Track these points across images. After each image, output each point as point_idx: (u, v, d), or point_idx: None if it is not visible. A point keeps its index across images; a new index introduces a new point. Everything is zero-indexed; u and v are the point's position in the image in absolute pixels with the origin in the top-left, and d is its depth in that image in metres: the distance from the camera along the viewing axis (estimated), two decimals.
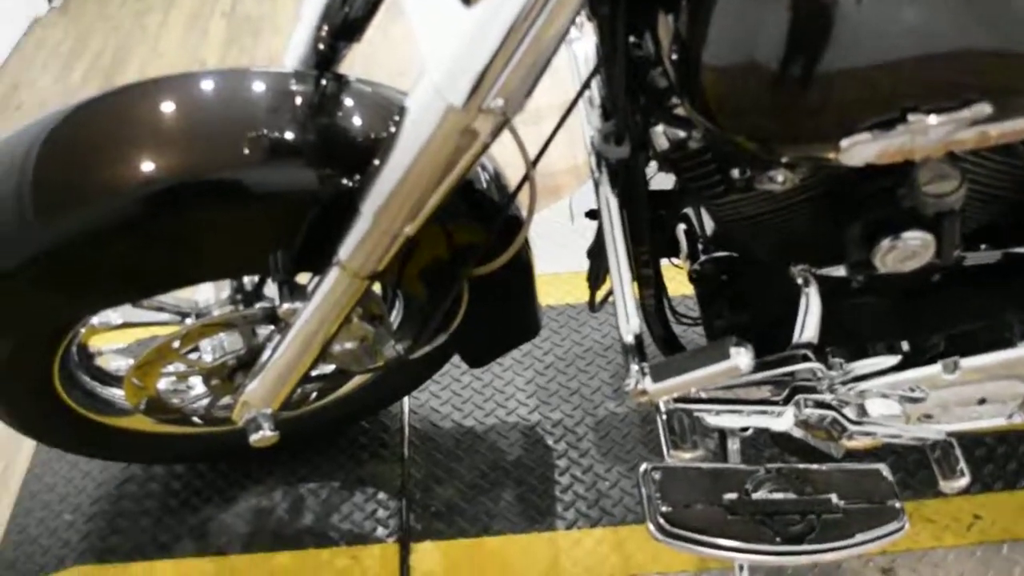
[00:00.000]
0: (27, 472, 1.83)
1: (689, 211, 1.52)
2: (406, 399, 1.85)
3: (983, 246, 1.43)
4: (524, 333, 1.62)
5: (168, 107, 1.27)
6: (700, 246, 1.46)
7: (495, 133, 1.05)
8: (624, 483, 1.71)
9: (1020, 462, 1.78)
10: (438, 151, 1.06)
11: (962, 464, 1.41)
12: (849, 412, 1.40)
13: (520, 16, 0.93)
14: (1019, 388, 1.44)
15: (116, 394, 1.57)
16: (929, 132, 0.98)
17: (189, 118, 1.27)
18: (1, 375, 1.38)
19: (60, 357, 1.40)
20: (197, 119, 1.27)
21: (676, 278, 1.53)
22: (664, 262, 1.55)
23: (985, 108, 0.98)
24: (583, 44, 1.44)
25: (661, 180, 1.52)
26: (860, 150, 0.99)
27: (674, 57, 1.02)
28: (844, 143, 0.99)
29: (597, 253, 1.46)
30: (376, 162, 1.13)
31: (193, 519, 1.70)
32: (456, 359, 1.69)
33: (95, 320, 1.47)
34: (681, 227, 1.52)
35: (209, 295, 1.49)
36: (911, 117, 0.97)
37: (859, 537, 1.36)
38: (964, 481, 1.40)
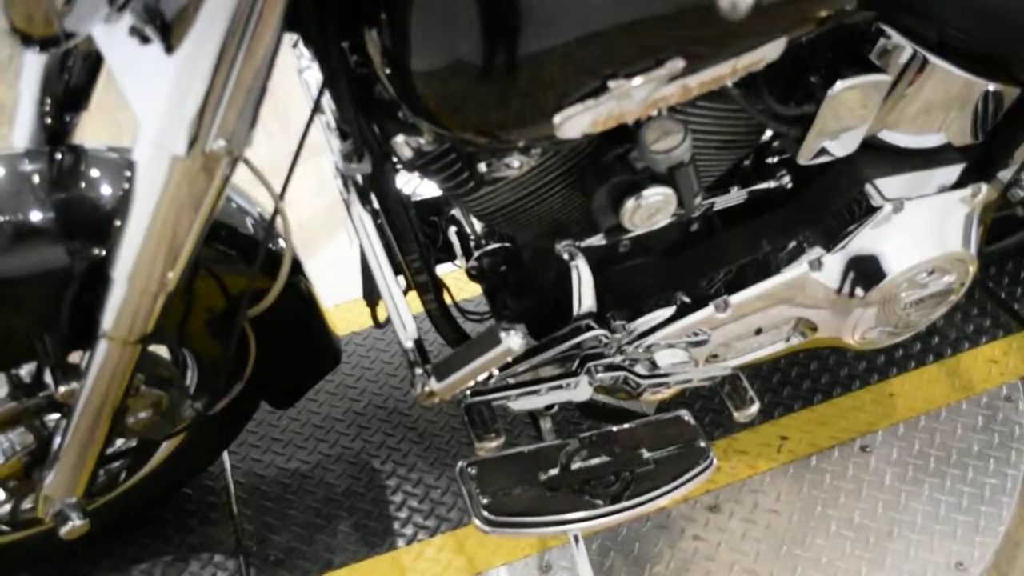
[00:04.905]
0: None
1: (457, 212, 1.56)
2: (226, 456, 1.81)
3: (733, 188, 1.53)
4: (324, 365, 1.62)
5: None
6: (472, 243, 1.50)
7: (228, 173, 1.06)
8: (455, 487, 1.73)
9: (813, 379, 1.91)
10: (173, 202, 1.05)
11: (751, 393, 1.50)
12: (641, 368, 1.47)
13: (221, 53, 0.94)
14: (789, 312, 1.55)
15: None
16: (633, 94, 1.05)
17: None
18: None
19: None
20: None
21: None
22: (451, 267, 1.59)
23: (679, 63, 1.06)
24: (312, 72, 1.46)
25: (428, 189, 1.57)
26: (574, 123, 1.05)
27: (387, 70, 1.04)
28: (557, 119, 1.04)
29: (367, 271, 1.48)
30: (118, 226, 1.11)
31: None
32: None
33: None
34: (452, 230, 1.56)
35: None
36: (612, 84, 1.03)
37: (673, 483, 1.44)
38: (755, 407, 1.49)
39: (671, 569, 1.62)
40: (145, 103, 1.00)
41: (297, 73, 1.46)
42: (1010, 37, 1.32)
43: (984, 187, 1.52)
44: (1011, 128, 1.48)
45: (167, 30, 0.95)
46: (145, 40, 0.98)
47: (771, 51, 1.13)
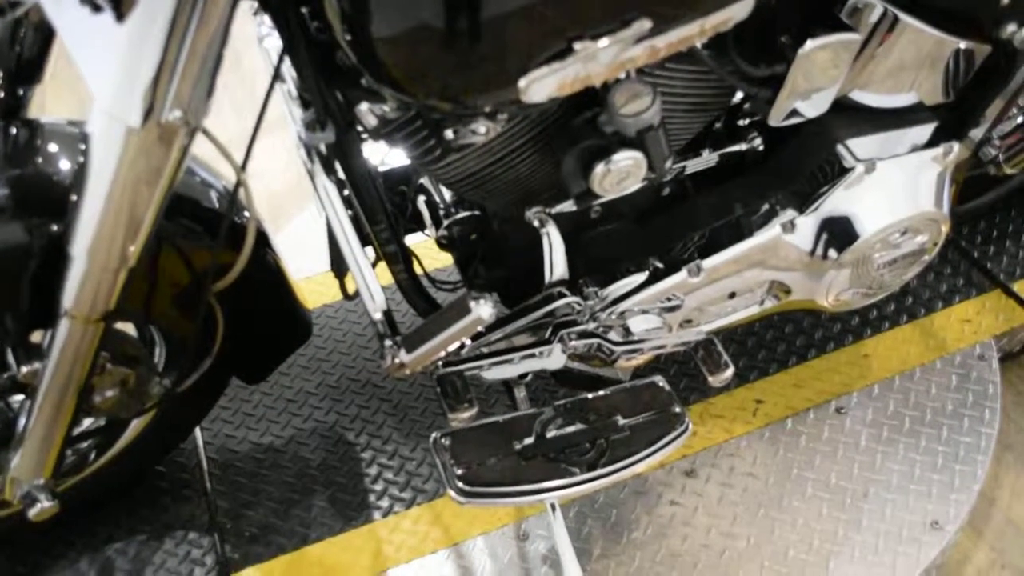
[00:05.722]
0: None
1: (426, 181, 1.53)
2: (198, 432, 1.79)
3: (704, 151, 1.52)
4: (295, 338, 1.60)
5: None
6: (442, 212, 1.48)
7: (186, 144, 1.03)
8: (430, 459, 1.72)
9: (788, 342, 1.91)
10: (130, 175, 1.02)
11: (725, 357, 1.49)
12: (614, 335, 1.46)
13: (174, 21, 0.91)
14: (762, 275, 1.54)
15: None
16: (599, 56, 1.03)
17: None
18: None
19: None
20: None
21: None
22: (422, 237, 1.57)
23: (645, 24, 1.04)
24: (273, 39, 1.42)
25: (396, 158, 1.54)
26: (539, 86, 1.03)
27: (347, 36, 1.02)
28: (522, 83, 1.02)
29: (334, 243, 1.46)
30: (74, 201, 1.09)
31: None
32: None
33: None
34: (421, 199, 1.54)
35: None
36: (577, 46, 1.01)
37: (649, 448, 1.43)
38: (730, 371, 1.49)
39: (649, 535, 1.62)
40: (97, 73, 0.97)
41: (257, 41, 1.43)
42: None
43: (956, 146, 1.51)
44: (982, 86, 1.47)
45: None
46: (95, 8, 0.95)
47: (739, 10, 1.11)
